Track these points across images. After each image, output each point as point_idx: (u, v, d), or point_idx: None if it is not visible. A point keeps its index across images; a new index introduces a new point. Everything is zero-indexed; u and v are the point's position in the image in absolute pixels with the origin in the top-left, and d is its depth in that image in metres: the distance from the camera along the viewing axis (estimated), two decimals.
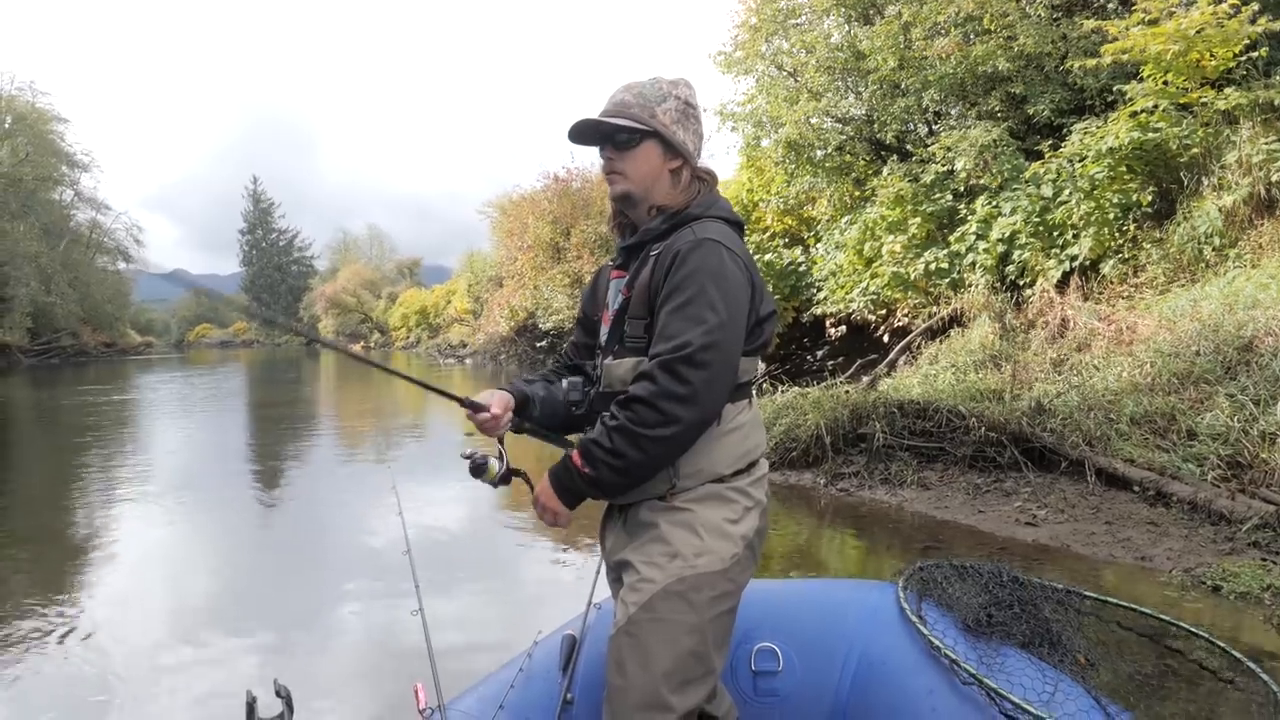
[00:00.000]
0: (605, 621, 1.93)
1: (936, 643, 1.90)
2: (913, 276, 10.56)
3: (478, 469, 1.87)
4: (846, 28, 13.09)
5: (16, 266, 35.06)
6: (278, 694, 1.83)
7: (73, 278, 41.67)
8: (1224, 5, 8.10)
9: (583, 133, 1.82)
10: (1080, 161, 8.99)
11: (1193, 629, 2.13)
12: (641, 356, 1.70)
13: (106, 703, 3.44)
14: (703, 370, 1.60)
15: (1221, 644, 2.06)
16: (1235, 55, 8.31)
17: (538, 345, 25.38)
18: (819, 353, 13.59)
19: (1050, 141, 9.69)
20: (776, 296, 13.06)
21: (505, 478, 1.89)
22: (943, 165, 10.68)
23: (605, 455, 1.65)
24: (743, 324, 1.69)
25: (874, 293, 11.24)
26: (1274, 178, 7.66)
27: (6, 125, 38.89)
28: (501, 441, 1.92)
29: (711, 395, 1.63)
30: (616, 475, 1.67)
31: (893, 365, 10.21)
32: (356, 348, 56.11)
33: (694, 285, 1.64)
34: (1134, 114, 8.64)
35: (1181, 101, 8.60)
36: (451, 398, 1.87)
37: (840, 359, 12.26)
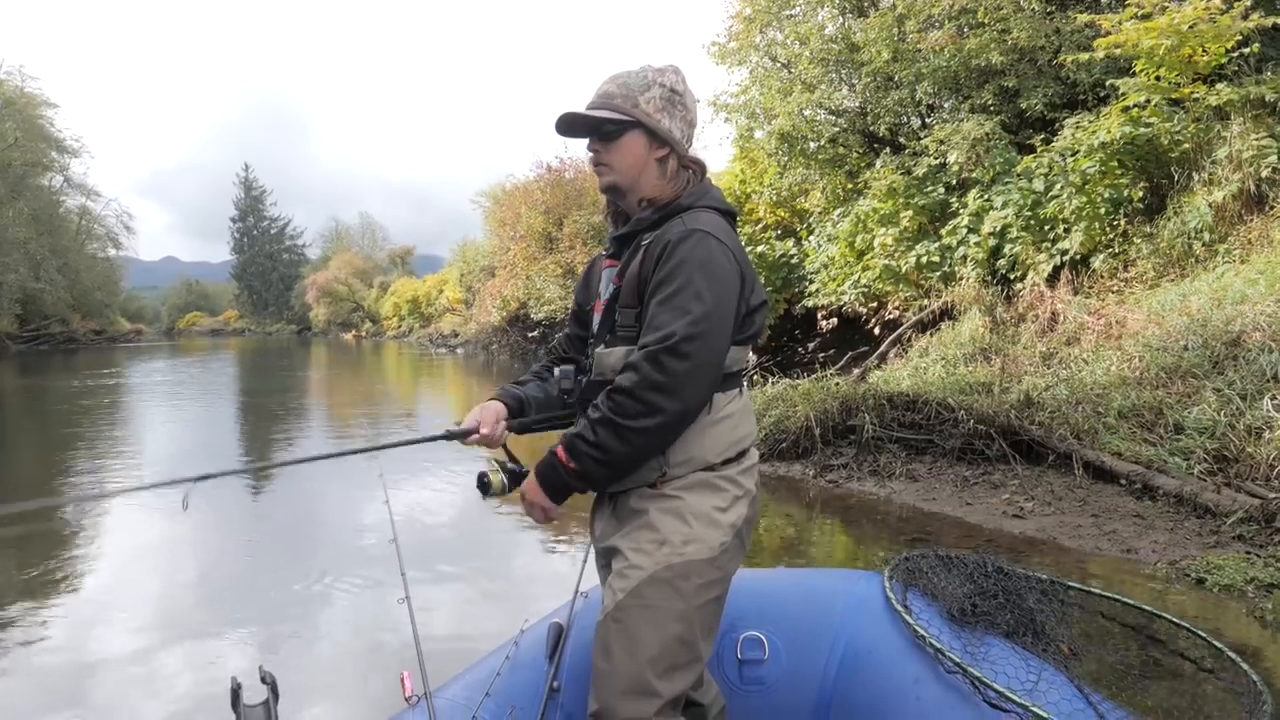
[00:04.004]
0: (593, 609, 1.93)
1: (921, 632, 1.91)
2: (904, 269, 10.57)
3: (482, 488, 1.86)
4: (841, 19, 13.08)
5: (5, 253, 34.77)
6: (263, 680, 1.83)
7: (62, 264, 41.34)
8: (1216, 1, 8.12)
9: (569, 125, 1.82)
10: (1072, 156, 9.00)
11: (1176, 620, 2.14)
12: (632, 345, 1.70)
13: (92, 690, 3.43)
14: (686, 361, 1.60)
15: (1204, 635, 2.08)
16: (1227, 51, 8.33)
17: (529, 335, 25.38)
18: (810, 345, 13.62)
19: (1042, 135, 9.70)
20: (768, 289, 13.06)
21: (515, 480, 1.86)
22: (935, 158, 10.69)
23: (589, 449, 1.66)
24: (730, 315, 1.69)
25: (865, 285, 11.25)
26: (1264, 174, 7.69)
27: None
28: (506, 448, 1.93)
29: (695, 386, 1.63)
30: (601, 468, 1.67)
31: (883, 358, 10.24)
32: (348, 337, 55.98)
33: (681, 276, 1.64)
34: (1126, 109, 8.66)
35: (1173, 97, 8.62)
36: (434, 439, 1.89)
37: (831, 351, 12.29)
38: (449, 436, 1.87)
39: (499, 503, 1.86)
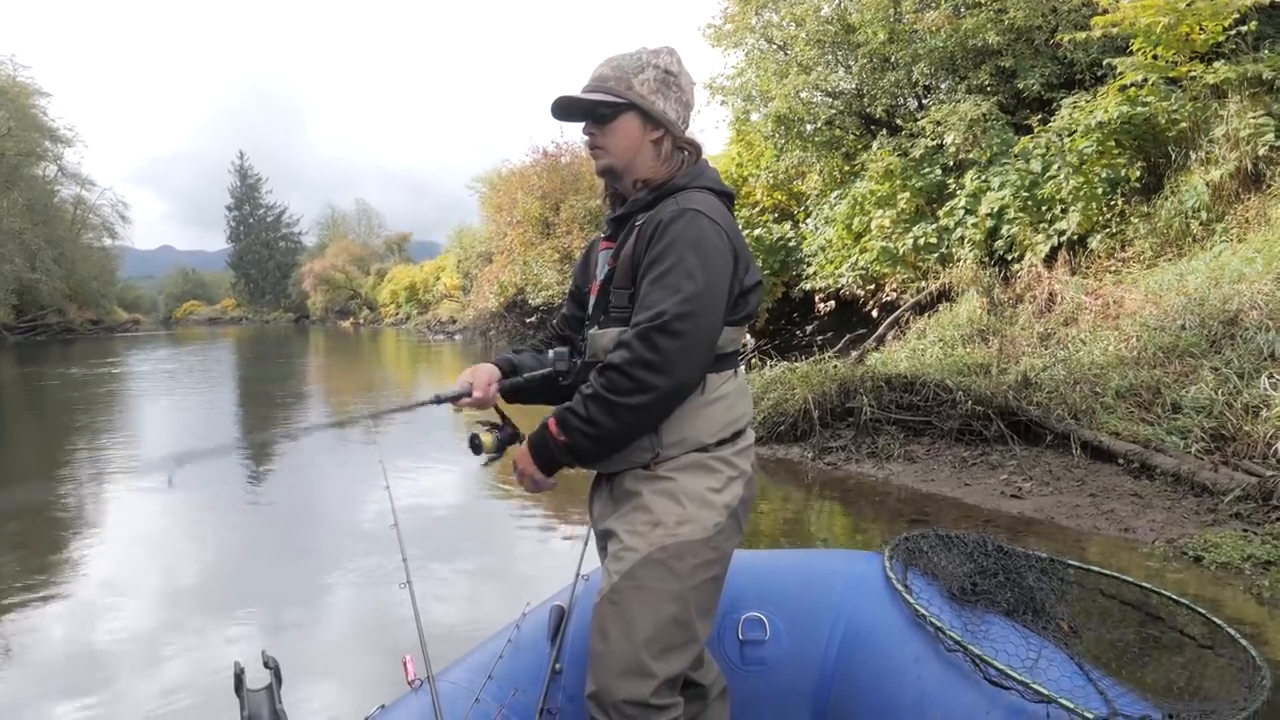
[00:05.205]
0: (594, 592, 1.94)
1: (922, 611, 1.91)
2: (901, 251, 10.56)
3: (474, 447, 1.86)
4: (836, 0, 13.00)
5: (0, 243, 34.64)
6: (266, 665, 1.84)
7: (58, 254, 41.16)
8: None
9: (564, 109, 1.81)
10: (1069, 136, 8.98)
11: (1175, 597, 2.14)
12: (625, 326, 1.70)
13: (95, 676, 3.44)
14: (677, 339, 1.60)
15: (1202, 611, 2.08)
16: (1225, 29, 8.29)
17: (527, 321, 25.34)
18: (808, 328, 13.61)
19: (1039, 116, 9.67)
20: (766, 272, 13.04)
21: (506, 442, 1.88)
22: (932, 139, 10.65)
23: (580, 423, 1.66)
24: (723, 294, 1.68)
25: (863, 268, 11.24)
26: (1261, 152, 7.66)
27: None
28: (497, 409, 1.92)
29: (686, 364, 1.63)
30: (591, 443, 1.68)
31: (881, 340, 10.24)
32: (346, 324, 55.93)
33: (673, 255, 1.64)
34: (1123, 88, 8.62)
35: (1171, 75, 8.59)
36: (422, 405, 1.88)
37: (829, 334, 12.29)
38: (438, 401, 1.86)
39: (495, 471, 1.84)
